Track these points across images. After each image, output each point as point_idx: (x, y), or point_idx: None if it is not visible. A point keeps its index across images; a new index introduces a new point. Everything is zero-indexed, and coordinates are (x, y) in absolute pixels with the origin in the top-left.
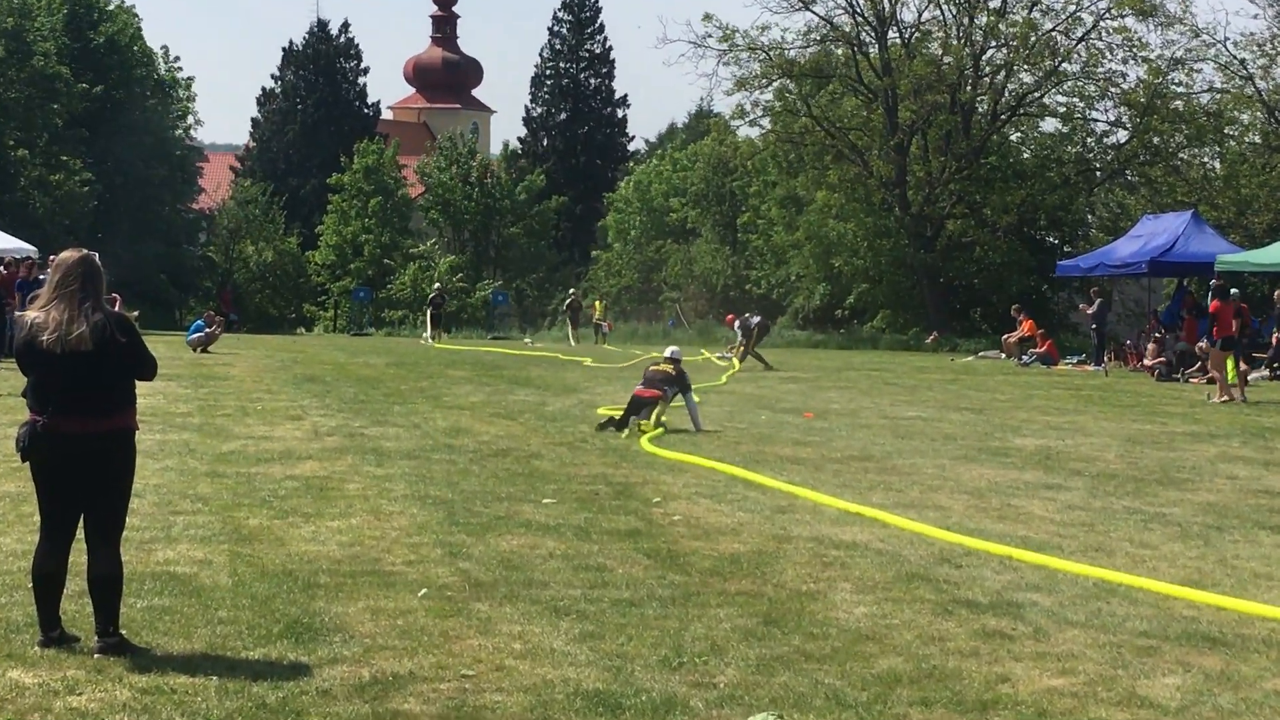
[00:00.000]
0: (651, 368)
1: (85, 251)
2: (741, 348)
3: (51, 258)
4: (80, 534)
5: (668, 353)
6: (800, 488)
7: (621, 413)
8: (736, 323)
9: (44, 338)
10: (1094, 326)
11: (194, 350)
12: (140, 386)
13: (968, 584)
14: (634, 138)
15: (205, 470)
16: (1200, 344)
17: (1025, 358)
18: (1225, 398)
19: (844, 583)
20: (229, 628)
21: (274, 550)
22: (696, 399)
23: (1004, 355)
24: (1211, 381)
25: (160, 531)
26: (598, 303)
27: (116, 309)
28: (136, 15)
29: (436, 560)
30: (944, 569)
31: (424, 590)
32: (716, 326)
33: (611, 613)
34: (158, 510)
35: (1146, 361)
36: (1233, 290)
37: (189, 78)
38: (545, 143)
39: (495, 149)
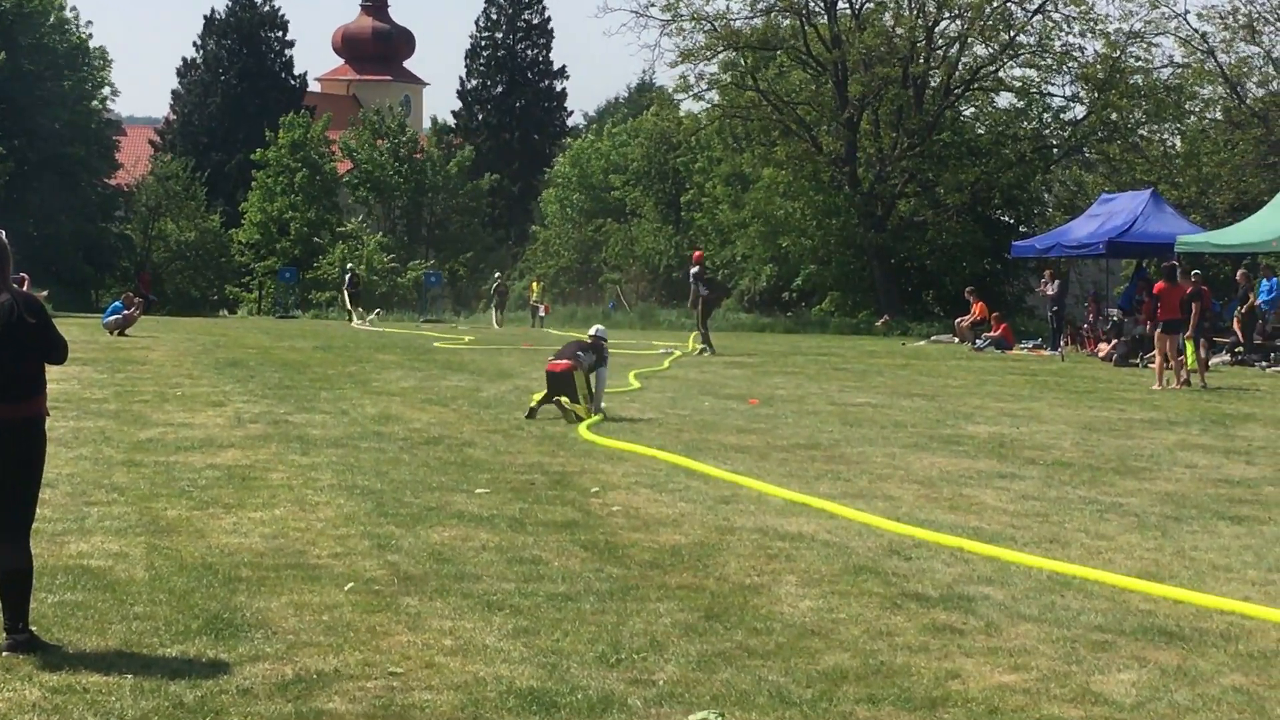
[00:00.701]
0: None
1: None
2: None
3: None
4: None
5: (593, 330)
6: (744, 477)
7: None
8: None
9: None
10: (1052, 309)
11: (111, 333)
12: (52, 371)
13: (917, 577)
14: (573, 112)
15: (121, 459)
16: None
17: (979, 342)
18: (1178, 385)
19: (789, 576)
20: (145, 623)
21: (193, 542)
22: (621, 382)
23: (957, 339)
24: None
25: (73, 523)
26: (535, 284)
27: (24, 289)
28: None
29: (364, 553)
30: (893, 561)
31: (350, 584)
32: (659, 309)
33: (546, 607)
34: (71, 501)
35: (1102, 349)
36: (1195, 272)
37: (102, 47)
38: (480, 117)
39: (429, 123)
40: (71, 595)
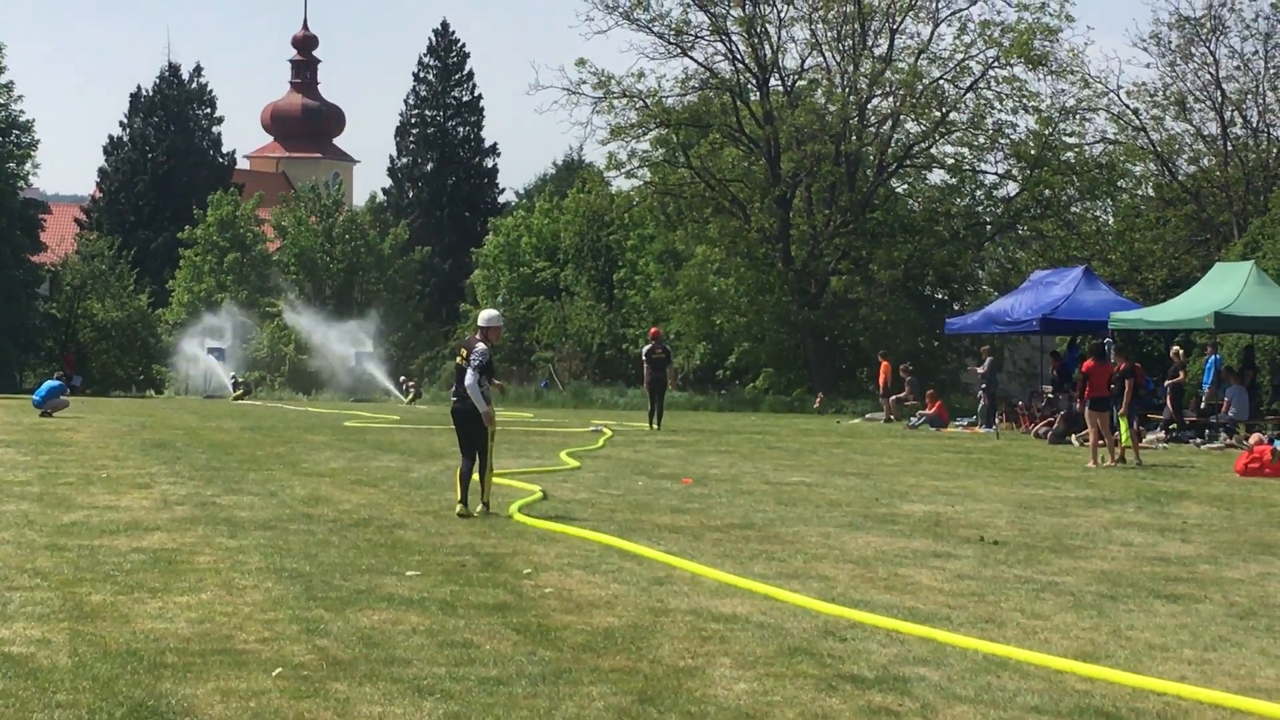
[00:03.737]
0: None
1: None
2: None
3: None
4: None
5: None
6: (678, 558)
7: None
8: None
9: None
10: (983, 387)
11: (44, 415)
12: None
13: (853, 658)
14: (504, 189)
15: (45, 543)
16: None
17: (914, 420)
18: (1112, 462)
19: (724, 658)
20: (68, 712)
21: (118, 628)
22: (554, 461)
23: (886, 416)
24: (1099, 443)
25: None
26: None
27: None
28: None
29: (292, 637)
30: (828, 642)
31: (278, 669)
32: (591, 388)
33: (478, 692)
34: None
35: (1036, 430)
36: (1106, 344)
37: (31, 119)
38: (411, 194)
39: (359, 200)
40: None
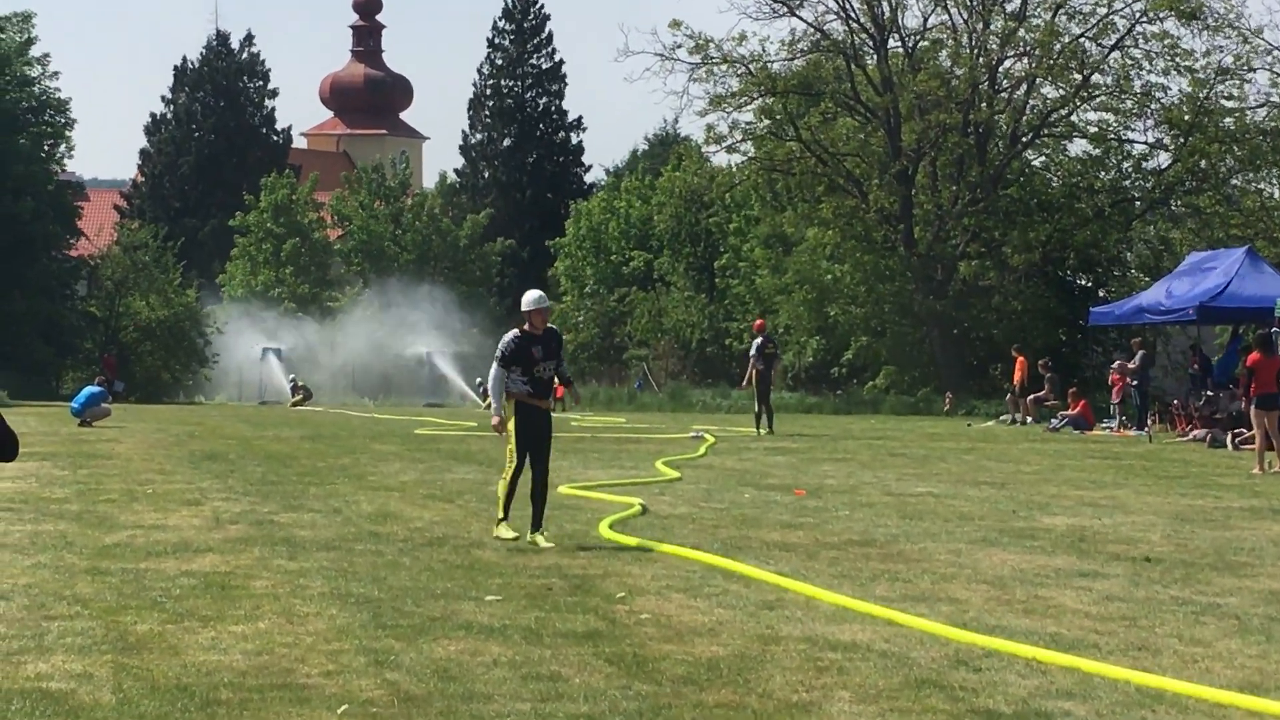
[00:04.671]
0: None
1: None
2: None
3: None
4: None
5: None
6: (790, 579)
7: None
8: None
9: None
10: (1134, 384)
11: (83, 424)
12: (6, 469)
13: (988, 690)
14: (591, 167)
15: (85, 567)
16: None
17: (1055, 422)
18: (1279, 468)
19: (842, 691)
20: None
21: (166, 661)
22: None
23: (1018, 417)
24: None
25: (31, 640)
26: None
27: None
28: (31, 22)
29: (359, 670)
30: (960, 673)
31: (344, 706)
32: (689, 389)
33: None
34: (28, 615)
35: (1195, 432)
36: None
37: (68, 99)
38: (486, 174)
39: (428, 182)
40: None
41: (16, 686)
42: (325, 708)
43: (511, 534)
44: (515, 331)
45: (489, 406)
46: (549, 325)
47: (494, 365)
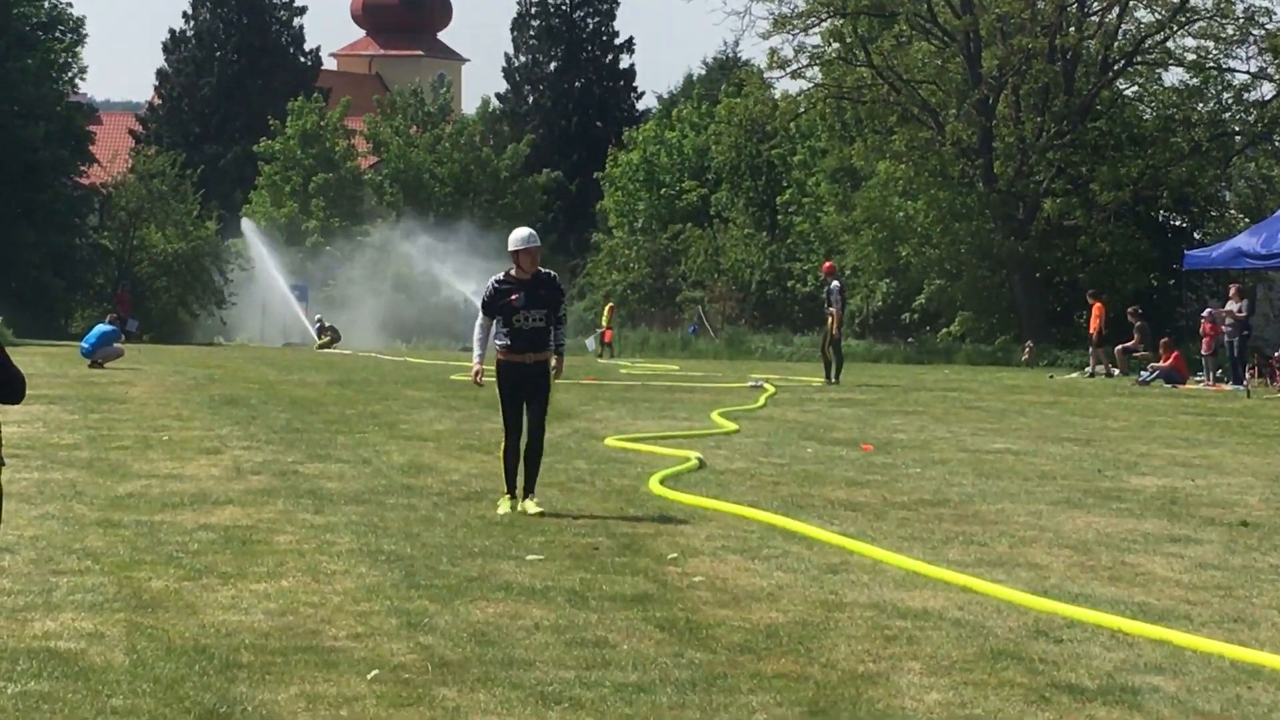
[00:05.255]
0: None
1: None
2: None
3: None
4: None
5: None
6: (856, 541)
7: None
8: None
9: None
10: (1232, 334)
11: (94, 365)
12: (11, 412)
13: (1070, 663)
14: (643, 93)
15: (96, 518)
16: None
17: (1145, 374)
18: None
19: (912, 662)
20: (126, 719)
21: (183, 620)
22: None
23: (1099, 370)
24: None
25: (38, 596)
26: (608, 307)
27: None
28: None
29: (390, 633)
30: (1040, 644)
31: (374, 671)
32: (748, 335)
33: (614, 700)
34: (35, 570)
35: None
36: None
37: (82, 16)
38: (531, 100)
39: (468, 107)
40: (36, 684)
41: (23, 645)
42: (354, 672)
43: (506, 509)
44: (499, 274)
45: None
46: (543, 269)
47: (481, 315)
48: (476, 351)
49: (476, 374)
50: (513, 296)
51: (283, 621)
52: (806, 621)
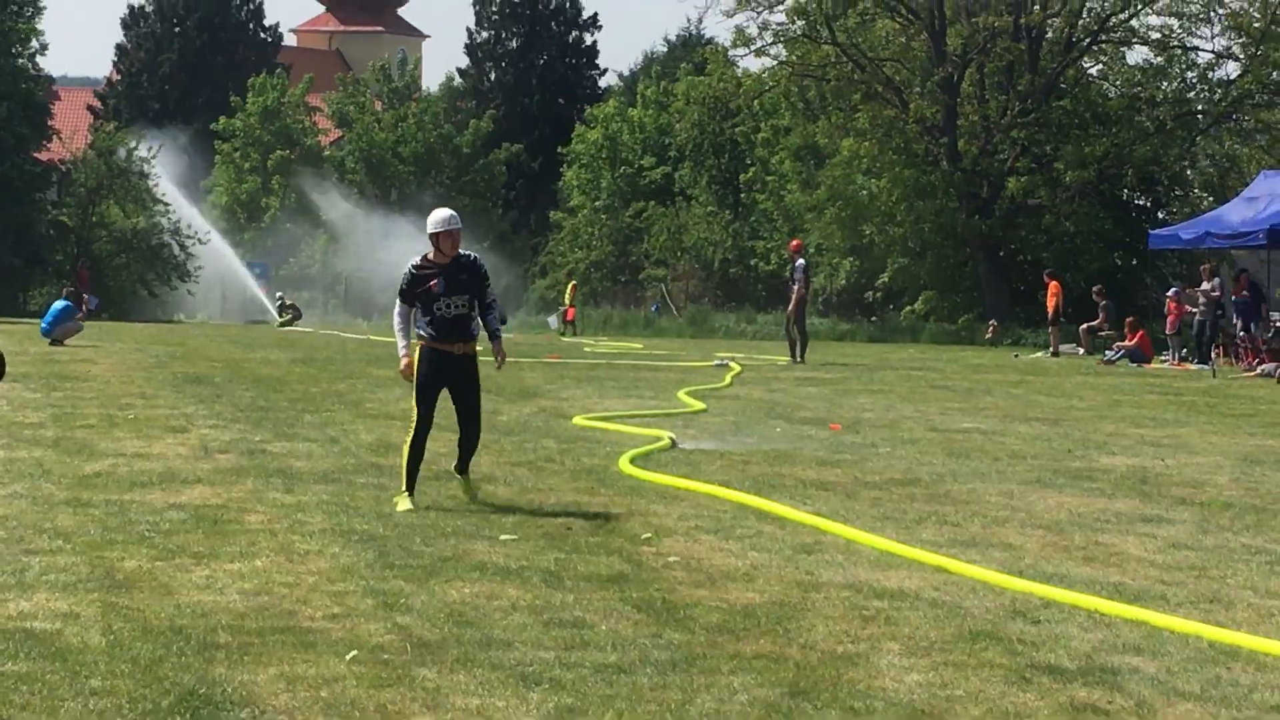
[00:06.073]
0: None
1: None
2: (795, 296)
3: None
4: None
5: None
6: (828, 521)
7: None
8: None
9: None
10: (1203, 314)
11: (55, 343)
12: None
13: (1049, 644)
14: (605, 70)
15: (65, 497)
16: None
17: (1110, 354)
18: None
19: (890, 642)
20: (105, 700)
21: (158, 600)
22: (672, 402)
23: (1064, 349)
24: None
25: (11, 576)
26: (570, 285)
27: None
28: None
29: (367, 613)
30: (1017, 624)
31: (353, 652)
32: (712, 313)
33: (595, 681)
34: (6, 549)
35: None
36: None
37: None
38: (493, 77)
39: (429, 83)
40: (13, 665)
41: None
42: (332, 653)
43: (407, 507)
44: (416, 261)
45: None
46: (464, 252)
47: (399, 301)
48: (401, 343)
49: (406, 366)
50: (431, 283)
51: (258, 602)
52: (783, 602)
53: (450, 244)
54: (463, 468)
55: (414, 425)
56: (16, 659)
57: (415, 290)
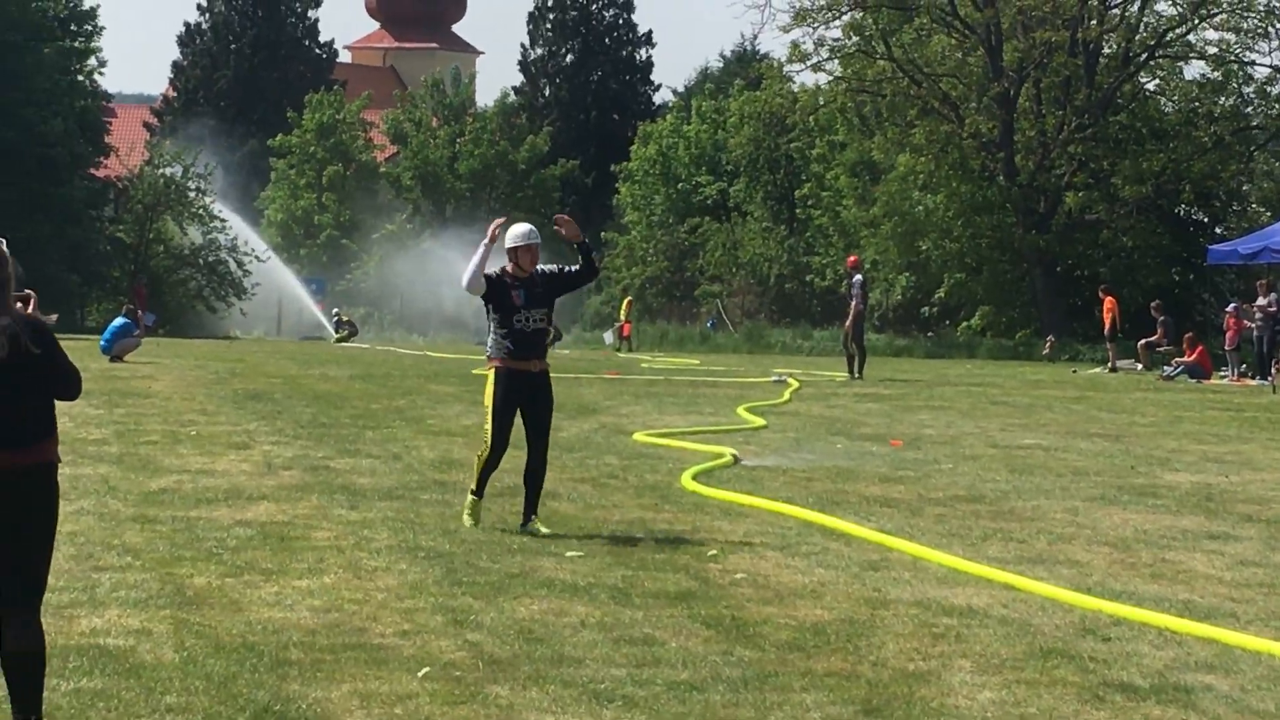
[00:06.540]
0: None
1: None
2: (853, 311)
3: None
4: None
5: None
6: (894, 537)
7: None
8: (858, 277)
9: None
10: (1262, 329)
11: (114, 360)
12: None
13: (1120, 662)
14: (660, 86)
15: (131, 514)
16: None
17: (1169, 369)
18: None
19: (961, 660)
20: (181, 717)
21: (229, 617)
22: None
23: (1122, 365)
24: None
25: (82, 593)
26: (626, 301)
27: (30, 310)
28: None
29: (437, 630)
30: (1088, 642)
31: (425, 669)
32: (768, 329)
33: (668, 699)
34: (76, 565)
35: None
36: None
37: (95, 6)
38: (547, 93)
39: (483, 100)
40: (89, 682)
41: (72, 643)
42: (404, 670)
43: (470, 521)
44: (491, 273)
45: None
46: (542, 268)
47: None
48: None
49: (493, 228)
50: (514, 293)
51: (328, 618)
52: (852, 619)
53: (529, 259)
54: (530, 511)
55: (489, 449)
56: (92, 675)
57: (496, 292)
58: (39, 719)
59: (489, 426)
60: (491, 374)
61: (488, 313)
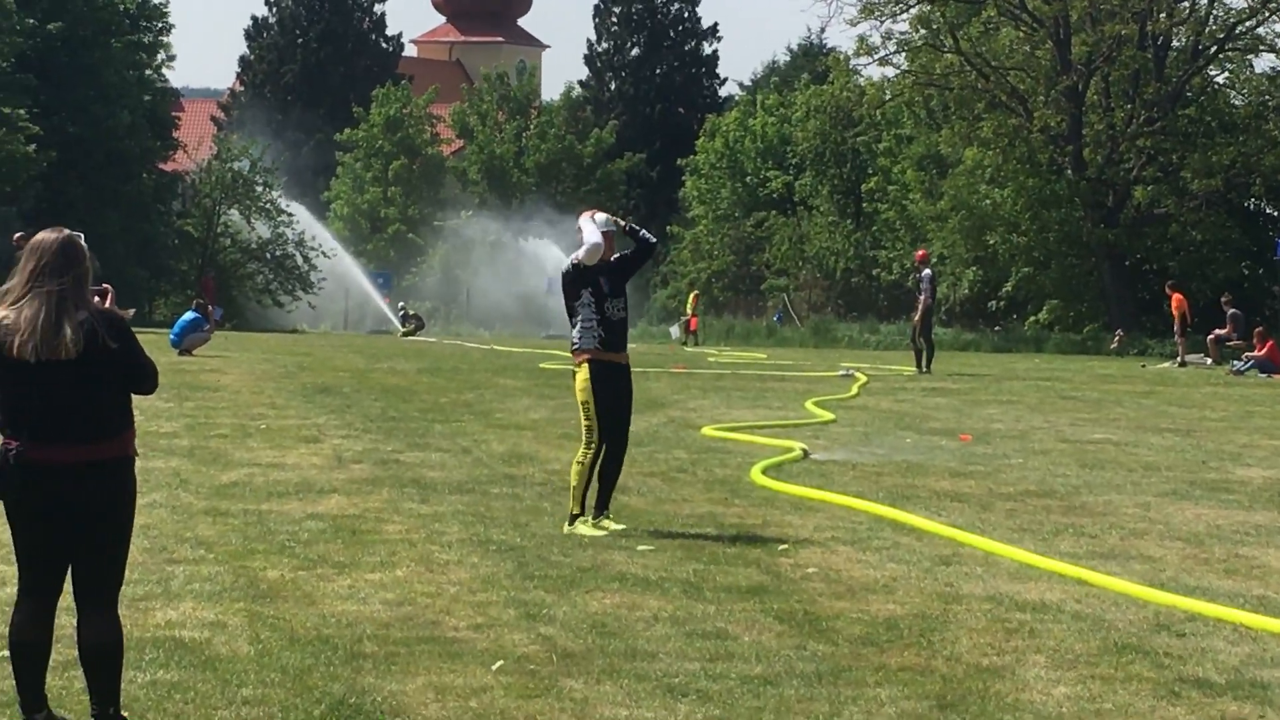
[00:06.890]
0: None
1: (67, 233)
2: (921, 305)
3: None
4: (68, 591)
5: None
6: (966, 532)
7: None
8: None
9: (15, 343)
10: None
11: (183, 353)
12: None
13: (1196, 658)
14: (725, 80)
15: (204, 507)
16: None
17: (1239, 364)
18: None
19: (1036, 655)
20: (258, 709)
21: (303, 610)
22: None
23: (1190, 360)
24: None
25: (157, 585)
26: (692, 295)
27: (107, 304)
28: None
29: (510, 624)
30: (1162, 638)
31: (499, 662)
32: (834, 323)
33: (742, 693)
34: (150, 558)
35: None
36: None
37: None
38: (613, 86)
39: (548, 94)
40: (165, 674)
41: (148, 635)
42: (478, 663)
43: (598, 531)
44: (568, 263)
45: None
46: (617, 253)
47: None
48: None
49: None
50: (600, 280)
51: (402, 612)
52: (925, 614)
53: (610, 246)
54: (603, 506)
55: (593, 444)
56: (168, 667)
57: (585, 277)
58: (117, 711)
59: (590, 424)
60: (585, 368)
61: (575, 303)
